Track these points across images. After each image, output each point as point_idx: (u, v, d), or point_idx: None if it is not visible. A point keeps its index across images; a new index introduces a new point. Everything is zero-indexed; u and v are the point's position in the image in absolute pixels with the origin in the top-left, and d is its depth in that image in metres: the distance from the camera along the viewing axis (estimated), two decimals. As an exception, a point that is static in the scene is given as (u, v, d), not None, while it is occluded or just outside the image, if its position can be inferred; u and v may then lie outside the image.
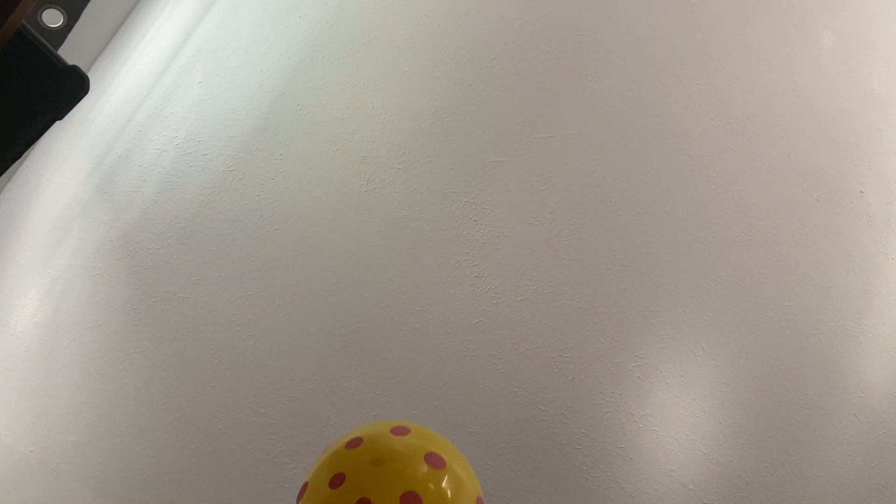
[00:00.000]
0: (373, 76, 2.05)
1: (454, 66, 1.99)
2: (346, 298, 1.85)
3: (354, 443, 0.98)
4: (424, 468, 0.93)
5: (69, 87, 0.86)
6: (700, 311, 1.75)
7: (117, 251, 2.08)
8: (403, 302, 1.80)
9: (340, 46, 2.12)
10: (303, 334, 1.84)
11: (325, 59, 2.12)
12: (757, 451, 1.71)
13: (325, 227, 1.93)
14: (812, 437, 1.75)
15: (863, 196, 1.89)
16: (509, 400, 1.69)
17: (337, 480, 0.92)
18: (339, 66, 2.09)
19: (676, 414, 1.69)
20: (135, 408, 1.88)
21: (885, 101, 1.97)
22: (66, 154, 2.41)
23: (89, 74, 0.96)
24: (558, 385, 1.69)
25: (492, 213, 1.84)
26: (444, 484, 0.93)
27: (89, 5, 2.35)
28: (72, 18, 2.33)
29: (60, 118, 0.88)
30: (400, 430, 0.99)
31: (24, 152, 0.94)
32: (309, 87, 2.10)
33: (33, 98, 0.85)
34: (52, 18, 2.30)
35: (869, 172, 1.91)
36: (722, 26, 1.96)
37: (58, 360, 2.02)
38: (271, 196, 2.00)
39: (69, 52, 2.43)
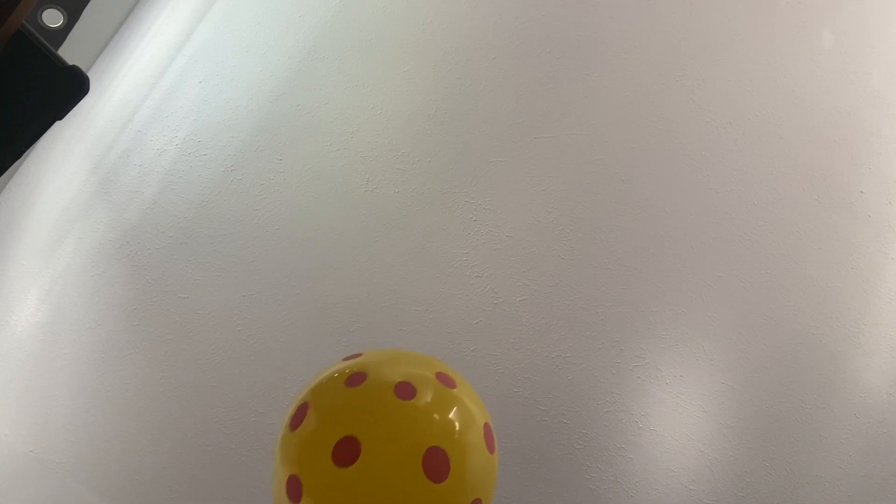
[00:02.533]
0: (373, 76, 2.05)
1: (454, 66, 1.99)
2: (346, 298, 1.85)
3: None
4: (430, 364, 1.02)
5: (69, 87, 0.86)
6: (700, 311, 1.75)
7: (117, 251, 2.08)
8: (403, 302, 1.80)
9: (340, 46, 2.12)
10: (302, 334, 1.84)
11: (325, 59, 2.12)
12: (757, 451, 1.71)
13: (325, 227, 1.93)
14: (812, 437, 1.75)
15: (863, 196, 1.89)
16: (509, 400, 1.69)
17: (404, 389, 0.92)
18: (339, 66, 2.09)
19: (676, 414, 1.69)
20: (135, 408, 1.88)
21: (885, 101, 1.97)
22: (66, 154, 2.41)
23: (89, 74, 0.96)
24: (558, 385, 1.69)
25: (492, 213, 1.84)
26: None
27: (89, 5, 2.35)
28: (72, 18, 2.33)
29: (60, 118, 0.88)
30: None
31: (24, 152, 0.94)
32: (309, 87, 2.10)
33: (33, 98, 0.85)
34: (52, 18, 2.30)
35: (869, 172, 1.91)
36: (721, 26, 1.96)
37: (58, 360, 2.02)
38: (271, 196, 2.00)
39: (69, 52, 2.43)
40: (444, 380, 0.98)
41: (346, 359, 1.05)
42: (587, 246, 1.78)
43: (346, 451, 0.87)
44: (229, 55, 2.25)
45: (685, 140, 1.86)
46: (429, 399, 0.93)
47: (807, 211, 1.85)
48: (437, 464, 0.87)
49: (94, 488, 1.82)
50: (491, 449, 0.96)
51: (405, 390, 0.92)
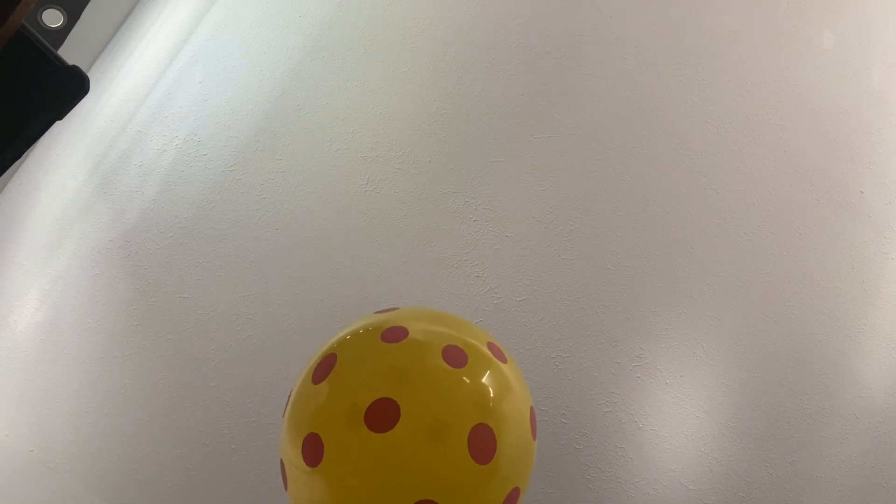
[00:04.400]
0: (373, 76, 2.05)
1: (454, 66, 1.99)
2: (345, 298, 1.84)
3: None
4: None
5: (69, 88, 0.85)
6: (700, 311, 1.75)
7: (117, 251, 2.08)
8: (404, 302, 1.80)
9: (340, 46, 2.12)
10: (302, 334, 1.84)
11: (325, 59, 2.12)
12: (757, 451, 1.71)
13: (325, 227, 1.93)
14: (812, 437, 1.75)
15: (863, 196, 1.89)
16: (509, 400, 1.69)
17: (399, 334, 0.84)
18: (339, 66, 2.09)
19: (676, 414, 1.69)
20: (135, 408, 1.88)
21: (885, 101, 1.97)
22: (67, 154, 2.41)
23: (89, 74, 0.96)
24: (558, 385, 1.69)
25: (492, 213, 1.84)
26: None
27: (89, 5, 2.35)
28: (72, 18, 2.33)
29: (60, 118, 0.88)
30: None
31: (24, 152, 0.94)
32: (309, 87, 2.09)
33: (33, 98, 0.85)
34: (52, 18, 2.30)
35: (869, 172, 1.91)
36: (722, 26, 1.96)
37: (58, 360, 2.02)
38: (271, 196, 2.00)
39: (69, 52, 2.43)
40: (496, 352, 0.89)
41: (378, 313, 0.94)
42: (587, 246, 1.78)
43: (382, 415, 0.76)
44: (229, 55, 2.25)
45: (685, 140, 1.86)
46: (481, 370, 0.83)
47: (807, 211, 1.85)
48: (483, 443, 0.77)
49: (94, 488, 1.82)
50: (534, 435, 0.88)
51: (455, 356, 0.82)
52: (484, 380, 0.83)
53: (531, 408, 0.89)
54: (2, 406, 2.03)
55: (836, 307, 1.82)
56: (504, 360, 0.89)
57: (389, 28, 2.10)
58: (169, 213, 2.07)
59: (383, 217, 1.90)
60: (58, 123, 0.90)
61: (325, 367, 0.85)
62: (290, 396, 0.90)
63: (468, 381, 0.81)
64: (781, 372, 1.76)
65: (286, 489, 0.85)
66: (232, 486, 1.74)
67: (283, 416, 0.89)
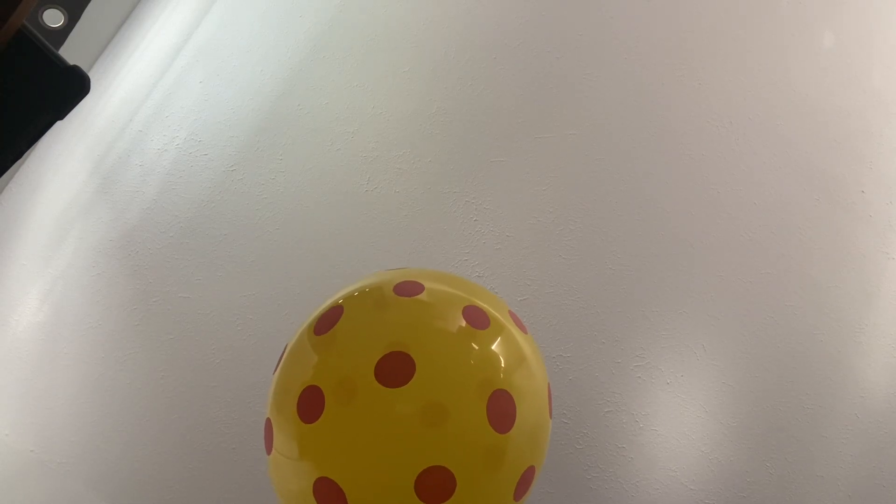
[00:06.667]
0: (373, 76, 2.05)
1: (454, 66, 1.99)
2: (346, 298, 1.84)
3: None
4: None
5: (70, 88, 0.85)
6: (700, 311, 1.75)
7: (117, 251, 2.08)
8: (404, 302, 1.80)
9: (341, 46, 2.12)
10: (303, 334, 1.83)
11: (325, 59, 2.12)
12: (757, 450, 1.71)
13: (326, 227, 1.93)
14: (812, 437, 1.75)
15: (863, 196, 1.89)
16: (509, 400, 1.69)
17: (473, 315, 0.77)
18: (340, 66, 2.09)
19: (677, 414, 1.69)
20: (135, 408, 1.88)
21: (885, 101, 1.97)
22: (67, 154, 2.41)
23: (90, 74, 0.96)
24: (559, 385, 1.69)
25: (492, 213, 1.84)
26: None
27: (90, 5, 2.35)
28: (72, 18, 2.33)
29: (61, 118, 0.88)
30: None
31: (24, 152, 0.94)
32: (309, 87, 2.10)
33: (33, 98, 0.85)
34: (53, 18, 2.30)
35: (869, 172, 1.91)
36: (722, 26, 1.96)
37: (58, 361, 2.02)
38: (272, 196, 2.00)
39: (70, 52, 2.43)
40: (517, 321, 0.83)
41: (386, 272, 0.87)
42: (587, 246, 1.78)
43: (396, 369, 0.68)
44: (230, 55, 2.25)
45: (685, 140, 1.86)
46: (504, 335, 0.78)
47: (808, 211, 1.85)
48: (502, 410, 0.71)
49: (94, 488, 1.82)
50: (551, 413, 0.83)
51: (477, 317, 0.76)
52: (506, 345, 0.77)
53: (548, 385, 0.84)
54: (2, 406, 2.03)
55: (837, 307, 1.82)
56: (525, 331, 0.84)
57: (389, 28, 2.10)
58: (169, 213, 2.07)
59: (384, 217, 1.90)
60: (58, 123, 0.90)
61: (329, 319, 0.78)
62: (283, 352, 0.83)
63: (490, 343, 0.75)
64: (782, 371, 1.76)
65: (268, 453, 0.77)
66: (232, 487, 1.74)
67: (273, 374, 0.82)
